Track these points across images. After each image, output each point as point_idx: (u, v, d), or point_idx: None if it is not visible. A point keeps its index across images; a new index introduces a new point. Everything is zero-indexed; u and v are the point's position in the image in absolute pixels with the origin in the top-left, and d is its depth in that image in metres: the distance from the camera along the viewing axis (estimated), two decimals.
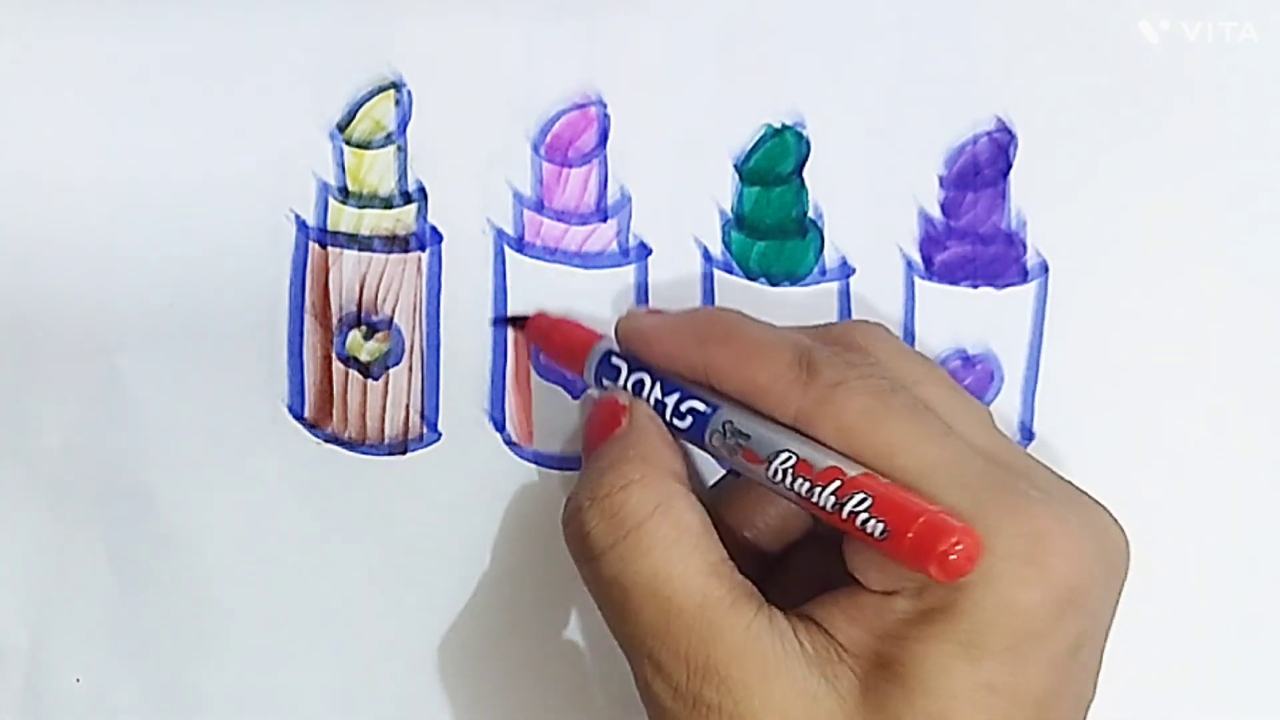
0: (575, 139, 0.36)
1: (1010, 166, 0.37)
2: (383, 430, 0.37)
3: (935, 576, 0.27)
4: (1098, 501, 0.31)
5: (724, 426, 0.31)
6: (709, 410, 0.32)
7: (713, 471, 0.36)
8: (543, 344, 0.36)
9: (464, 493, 0.37)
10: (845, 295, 0.37)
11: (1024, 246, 0.37)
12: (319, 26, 0.36)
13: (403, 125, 0.36)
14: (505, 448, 0.37)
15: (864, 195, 0.37)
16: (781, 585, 0.32)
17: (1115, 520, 0.31)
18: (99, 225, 0.36)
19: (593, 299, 0.37)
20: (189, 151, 0.36)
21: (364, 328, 0.37)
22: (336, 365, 0.37)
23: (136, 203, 0.36)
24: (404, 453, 0.37)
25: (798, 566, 0.34)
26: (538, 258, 0.36)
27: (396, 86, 0.36)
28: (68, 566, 0.37)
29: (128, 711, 0.37)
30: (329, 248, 0.36)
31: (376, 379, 0.37)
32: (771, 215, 0.37)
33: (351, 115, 0.36)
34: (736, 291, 0.37)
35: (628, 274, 0.37)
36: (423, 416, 0.37)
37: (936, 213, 0.37)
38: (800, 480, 0.30)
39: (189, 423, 0.36)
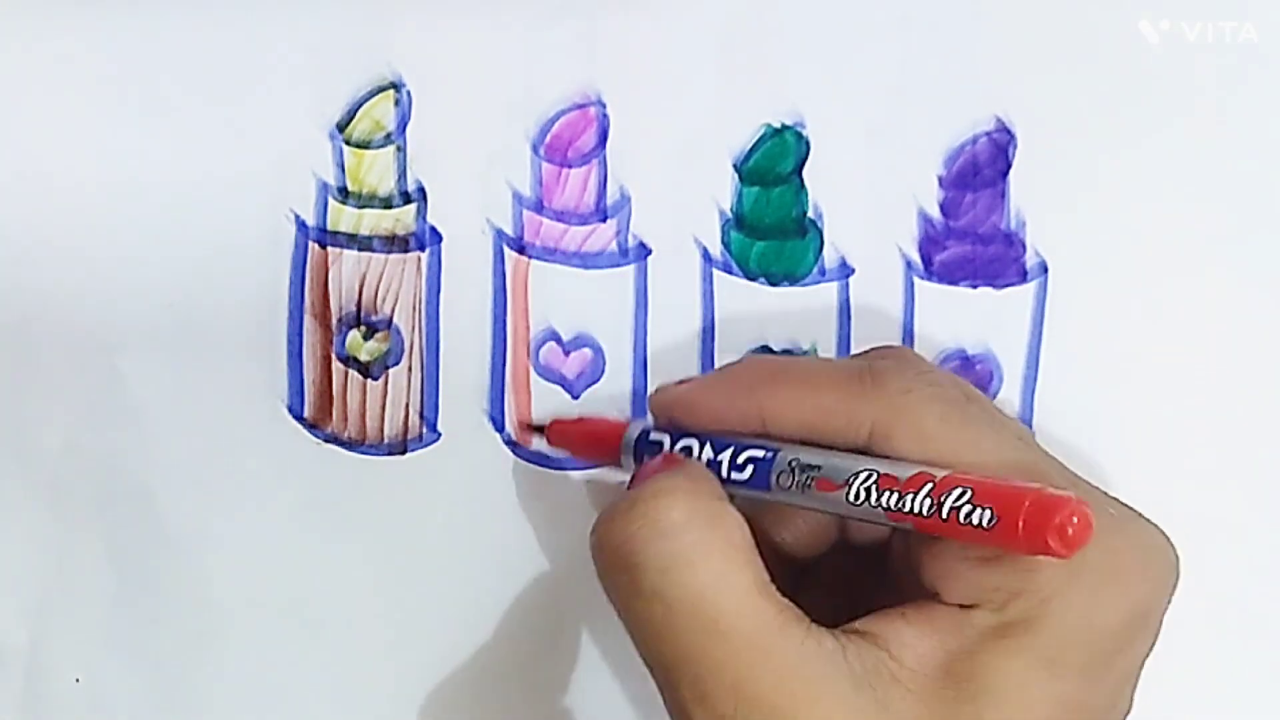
0: (575, 139, 0.36)
1: (1009, 167, 0.37)
2: (382, 430, 0.37)
3: (1056, 551, 0.26)
4: (1147, 519, 0.30)
5: (790, 464, 0.30)
6: (770, 453, 0.31)
7: None
8: (569, 447, 0.36)
9: (464, 493, 0.37)
10: (845, 295, 0.37)
11: (1023, 246, 0.37)
12: (319, 26, 0.36)
13: (402, 125, 0.36)
14: (505, 448, 0.37)
15: (864, 195, 0.37)
16: (810, 597, 0.31)
17: (1168, 538, 0.30)
18: (99, 225, 0.36)
19: (593, 299, 0.37)
20: (189, 151, 0.36)
21: (364, 328, 0.37)
22: (336, 365, 0.37)
23: (136, 203, 0.36)
24: (404, 453, 0.37)
25: (826, 577, 0.33)
26: (537, 258, 0.36)
27: (396, 86, 0.36)
28: (68, 566, 0.37)
29: (128, 711, 0.37)
30: (329, 248, 0.36)
31: (376, 379, 0.37)
32: (771, 215, 0.37)
33: (351, 115, 0.36)
34: (736, 291, 0.37)
35: (627, 274, 0.37)
36: (422, 416, 0.37)
37: (936, 213, 0.37)
38: (887, 494, 0.29)
39: (189, 423, 0.36)
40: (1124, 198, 0.37)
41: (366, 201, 0.36)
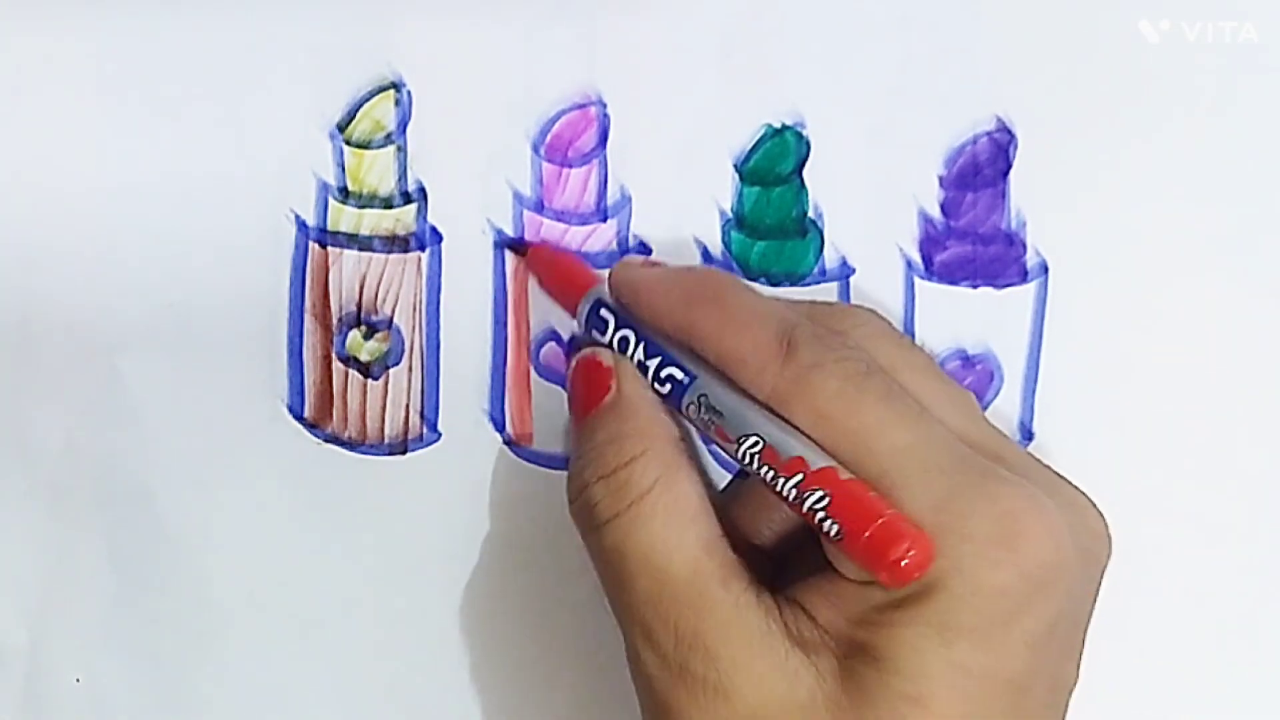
0: (575, 139, 0.36)
1: (1010, 166, 0.37)
2: (382, 430, 0.37)
3: (885, 582, 0.28)
4: (1078, 488, 0.31)
5: (699, 399, 0.31)
6: (686, 380, 0.32)
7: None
8: (542, 275, 0.36)
9: (464, 493, 0.37)
10: (845, 295, 0.37)
11: (1024, 246, 0.37)
12: (319, 26, 0.36)
13: (403, 125, 0.36)
14: (505, 448, 0.37)
15: (864, 195, 0.37)
16: (790, 573, 0.32)
17: (1094, 505, 0.31)
18: (99, 225, 0.36)
19: None
20: (189, 151, 0.36)
21: (364, 328, 0.37)
22: (336, 365, 0.37)
23: (136, 203, 0.36)
24: (404, 453, 0.37)
25: (809, 565, 0.34)
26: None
27: (396, 86, 0.36)
28: (68, 566, 0.37)
29: (128, 711, 0.37)
30: (329, 248, 0.36)
31: (376, 379, 0.37)
32: (771, 215, 0.37)
33: (351, 115, 0.36)
34: None
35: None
36: (422, 416, 0.37)
37: (936, 213, 0.37)
38: (765, 467, 0.30)
39: (189, 423, 0.36)
40: (1124, 198, 0.37)
41: (367, 201, 0.36)
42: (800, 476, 0.29)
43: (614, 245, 0.37)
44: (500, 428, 0.37)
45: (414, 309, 0.36)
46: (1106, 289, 0.37)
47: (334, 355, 0.37)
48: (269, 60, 0.36)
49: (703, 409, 0.31)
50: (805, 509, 0.29)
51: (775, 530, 0.34)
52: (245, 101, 0.36)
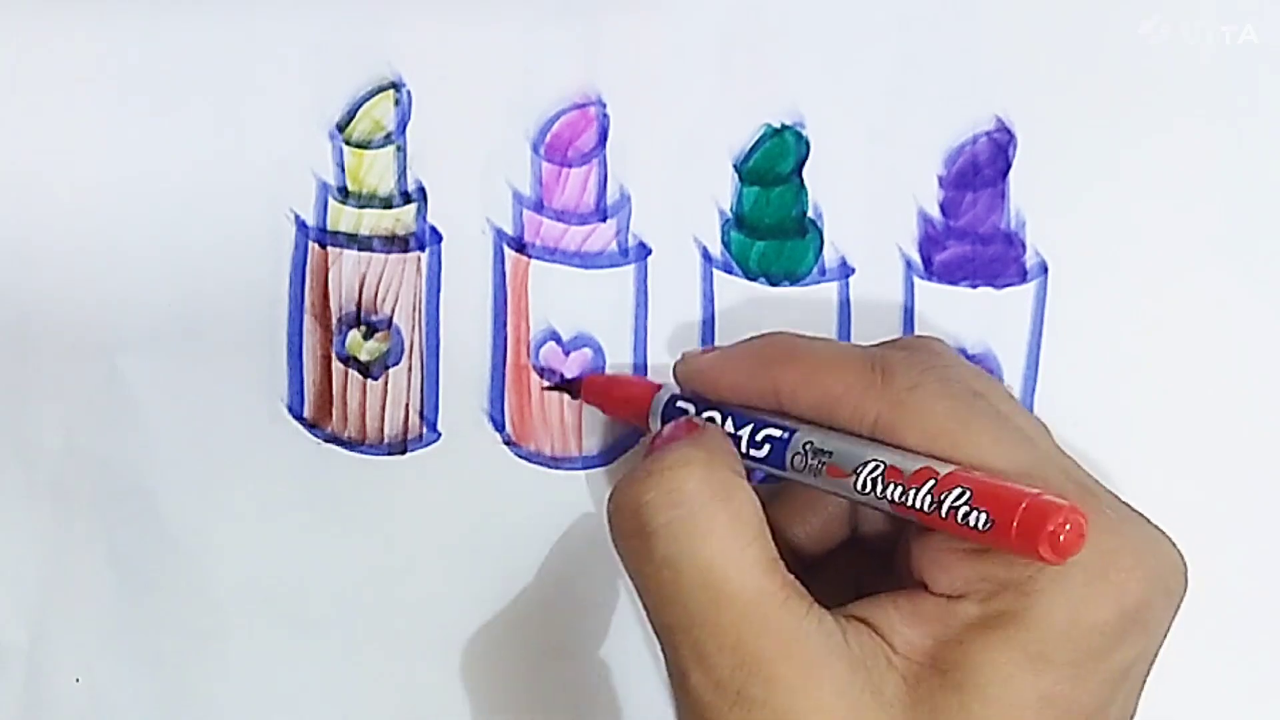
0: (575, 139, 0.36)
1: (1009, 166, 0.37)
2: (382, 430, 0.37)
3: (1047, 558, 0.27)
4: (1153, 523, 0.31)
5: (805, 447, 0.31)
6: (787, 434, 0.31)
7: None
8: (601, 403, 0.36)
9: (463, 493, 0.37)
10: (845, 295, 0.37)
11: (1023, 246, 0.37)
12: (319, 26, 0.36)
13: (402, 125, 0.36)
14: (505, 447, 0.37)
15: (864, 195, 0.37)
16: (819, 589, 0.31)
17: (1173, 542, 0.30)
18: (99, 225, 0.36)
19: (593, 299, 0.37)
20: (189, 151, 0.36)
21: (364, 327, 0.37)
22: (336, 365, 0.37)
23: (136, 203, 0.36)
24: (403, 452, 0.37)
25: (835, 570, 0.33)
26: (538, 257, 0.36)
27: (396, 86, 0.36)
28: (68, 566, 0.37)
29: (128, 711, 0.37)
30: (329, 248, 0.36)
31: (376, 379, 0.37)
32: (771, 215, 0.37)
33: (351, 115, 0.36)
34: (736, 291, 0.37)
35: (627, 274, 0.37)
36: (422, 416, 0.37)
37: (936, 213, 0.37)
38: (891, 486, 0.29)
39: (189, 423, 0.36)
40: (1124, 198, 0.37)
41: (366, 201, 0.36)
42: (932, 482, 0.28)
43: (614, 245, 0.37)
44: (500, 428, 0.37)
45: (414, 309, 0.36)
46: (1106, 289, 0.37)
47: (334, 355, 0.37)
48: (269, 60, 0.36)
49: (811, 454, 0.31)
50: (944, 512, 0.28)
51: (806, 538, 0.34)
52: (245, 101, 0.36)
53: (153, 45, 0.36)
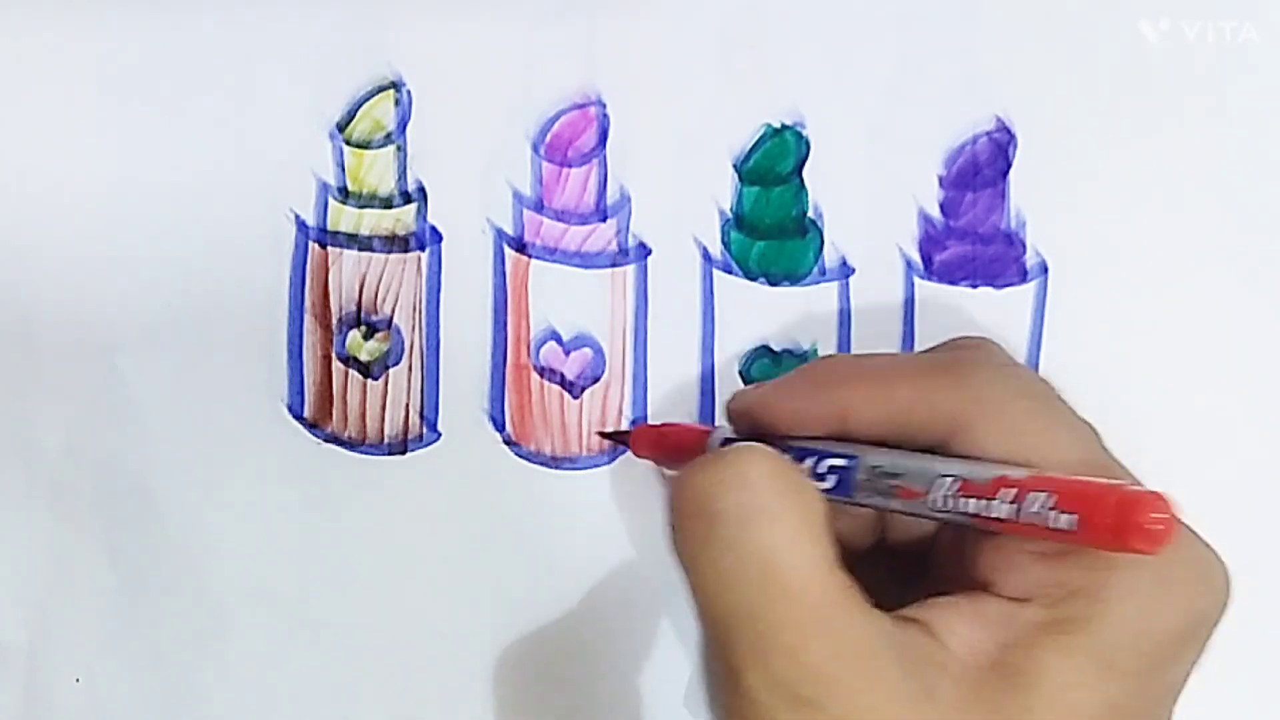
0: (575, 139, 0.36)
1: (1009, 166, 0.37)
2: (382, 430, 0.37)
3: (1141, 549, 0.26)
4: (1202, 538, 0.30)
5: (872, 471, 0.30)
6: (852, 461, 0.30)
7: None
8: (653, 453, 0.36)
9: (464, 493, 0.37)
10: (845, 295, 0.37)
11: (1023, 246, 0.37)
12: (319, 26, 0.36)
13: (402, 125, 0.36)
14: (505, 447, 0.37)
15: (864, 195, 0.37)
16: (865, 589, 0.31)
17: (1217, 555, 0.30)
18: (99, 225, 0.36)
19: (593, 299, 0.37)
20: (189, 151, 0.36)
21: (364, 327, 0.37)
22: (336, 365, 0.37)
23: (136, 203, 0.36)
24: (403, 452, 0.37)
25: (862, 576, 0.33)
26: (538, 258, 0.37)
27: (396, 86, 0.36)
28: (68, 566, 0.37)
29: (128, 711, 0.37)
30: (329, 248, 0.36)
31: (376, 379, 0.37)
32: (771, 215, 0.37)
33: (351, 115, 0.36)
34: (736, 291, 0.37)
35: (627, 274, 0.37)
36: (422, 416, 0.37)
37: (936, 213, 0.37)
38: (968, 500, 0.28)
39: (189, 423, 0.36)
40: (1124, 198, 0.37)
41: (366, 201, 0.36)
42: (1013, 491, 0.28)
43: (614, 245, 0.37)
44: (500, 427, 0.37)
45: (414, 309, 0.37)
46: (1106, 289, 0.37)
47: (334, 355, 0.37)
48: (269, 60, 0.36)
49: (879, 477, 0.30)
50: (1025, 518, 0.28)
51: (846, 536, 0.33)
52: (245, 101, 0.36)
53: (153, 45, 0.36)
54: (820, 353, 0.37)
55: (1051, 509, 0.27)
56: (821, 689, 0.27)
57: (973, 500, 0.28)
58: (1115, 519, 0.26)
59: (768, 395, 0.32)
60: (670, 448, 0.35)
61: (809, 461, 0.31)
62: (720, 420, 0.35)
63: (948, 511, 0.29)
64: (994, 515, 0.28)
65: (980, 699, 0.28)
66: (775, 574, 0.27)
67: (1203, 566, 0.29)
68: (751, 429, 0.32)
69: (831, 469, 0.31)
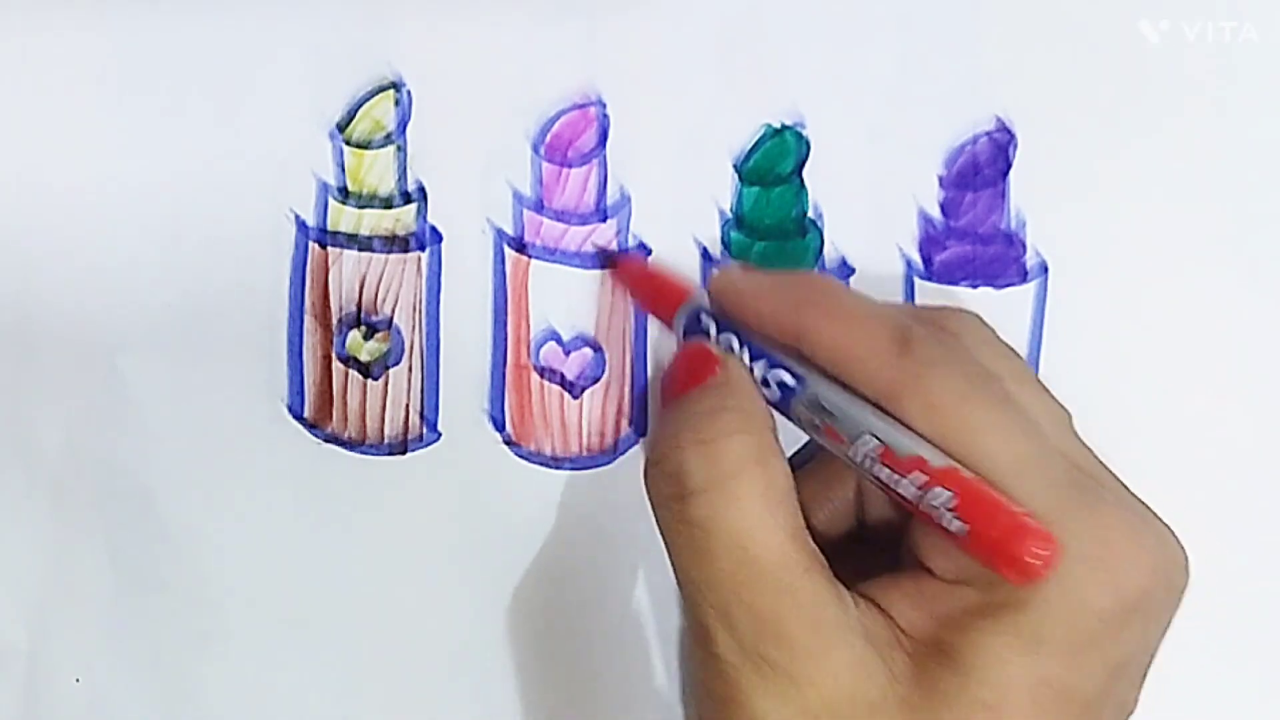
0: (575, 139, 0.36)
1: (1010, 166, 0.37)
2: (382, 430, 0.37)
3: (1010, 579, 0.28)
4: (1161, 518, 0.31)
5: (810, 401, 0.31)
6: (796, 383, 0.32)
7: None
8: (633, 290, 0.36)
9: (464, 493, 0.37)
10: None
11: (1023, 246, 0.37)
12: (319, 26, 0.36)
13: (402, 125, 0.36)
14: (505, 447, 0.37)
15: (864, 195, 0.37)
16: (842, 567, 0.32)
17: (1177, 538, 0.31)
18: (99, 225, 0.36)
19: (593, 299, 0.37)
20: (189, 151, 0.36)
21: (364, 328, 0.37)
22: (336, 365, 0.37)
23: (136, 203, 0.36)
24: (404, 452, 0.37)
25: (841, 560, 0.34)
26: (538, 258, 0.37)
27: (396, 86, 0.36)
28: (68, 566, 0.37)
29: (128, 711, 0.37)
30: (329, 248, 0.36)
31: (376, 379, 0.37)
32: (771, 215, 0.37)
33: (351, 115, 0.36)
34: None
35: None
36: (422, 416, 0.37)
37: (936, 213, 0.37)
38: (881, 466, 0.30)
39: (189, 423, 0.36)
40: (1124, 198, 0.37)
41: (366, 201, 0.36)
42: (922, 475, 0.29)
43: (614, 245, 0.37)
44: (500, 427, 0.37)
45: (414, 309, 0.37)
46: (1106, 289, 0.37)
47: (334, 355, 0.37)
48: (269, 60, 0.36)
49: (814, 410, 0.31)
50: (924, 506, 0.29)
51: (836, 511, 0.34)
52: (245, 101, 0.36)
53: (153, 45, 0.36)
54: None
55: (949, 509, 0.28)
56: (785, 652, 0.29)
57: (887, 469, 0.29)
58: (998, 543, 0.28)
59: (743, 288, 0.33)
60: (648, 291, 0.36)
61: (759, 365, 0.32)
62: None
63: (863, 469, 0.30)
64: (899, 491, 0.29)
65: (925, 674, 0.29)
66: (741, 545, 0.30)
67: (1147, 547, 0.29)
68: (721, 310, 0.33)
69: (779, 382, 0.32)
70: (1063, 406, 0.33)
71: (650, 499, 0.32)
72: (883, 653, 0.29)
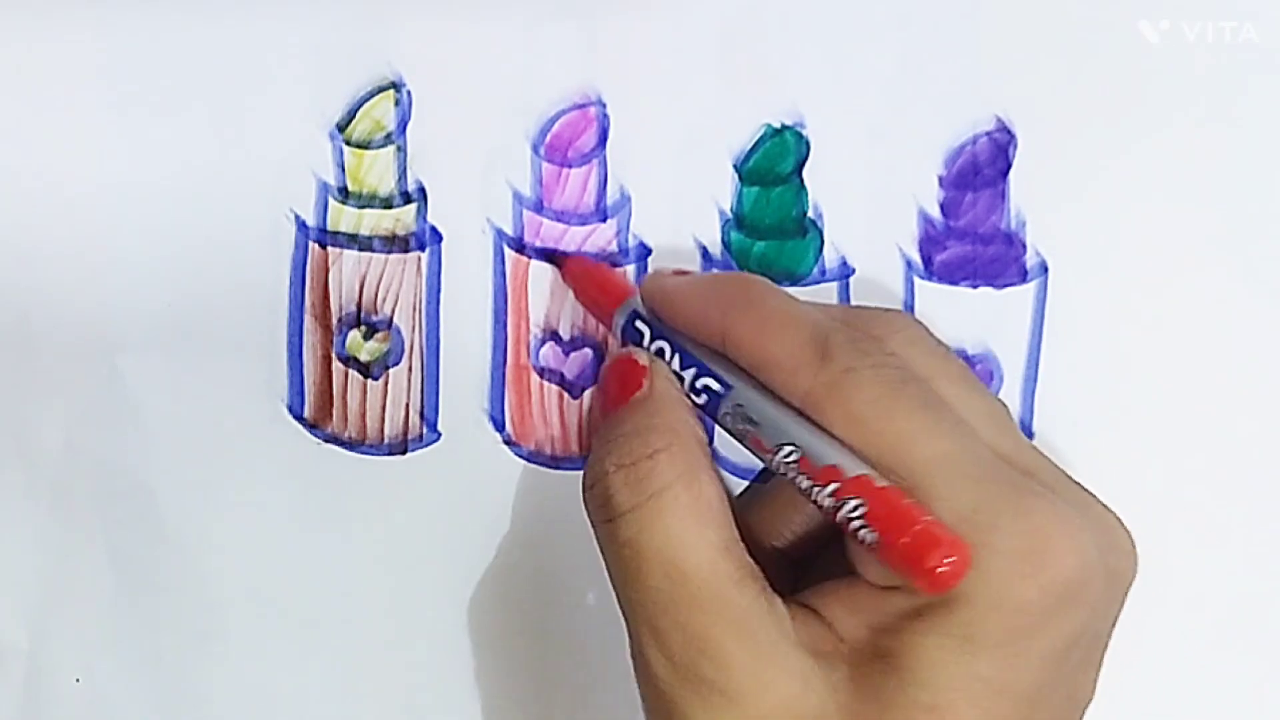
0: (575, 139, 0.36)
1: (1010, 166, 0.37)
2: (382, 430, 0.37)
3: (922, 588, 0.28)
4: (1106, 505, 0.31)
5: (735, 409, 0.31)
6: (722, 390, 0.32)
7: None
8: (577, 289, 0.36)
9: (464, 493, 0.37)
10: (845, 295, 0.37)
11: (1023, 246, 0.37)
12: (319, 26, 0.36)
13: (402, 125, 0.36)
14: (505, 447, 0.37)
15: (864, 195, 0.37)
16: (808, 579, 0.32)
17: (1122, 523, 0.31)
18: (99, 225, 0.36)
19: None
20: (189, 151, 0.36)
21: (364, 328, 0.37)
22: (336, 365, 0.37)
23: (136, 203, 0.36)
24: (404, 452, 0.37)
25: (822, 563, 0.34)
26: (538, 258, 0.37)
27: (396, 86, 0.36)
28: (68, 566, 0.37)
29: (128, 711, 0.37)
30: (329, 248, 0.36)
31: (376, 379, 0.37)
32: (771, 215, 0.37)
33: (351, 115, 0.36)
34: None
35: (627, 274, 0.37)
36: (422, 416, 0.37)
37: (936, 213, 0.37)
38: (801, 476, 0.30)
39: (189, 423, 0.36)
40: (1124, 198, 0.37)
41: (366, 201, 0.36)
42: (835, 485, 0.29)
43: (614, 245, 0.37)
44: (500, 428, 0.37)
45: (414, 309, 0.37)
46: (1106, 289, 0.37)
47: (334, 355, 0.37)
48: (269, 60, 0.36)
49: (738, 419, 0.31)
50: (840, 516, 0.29)
51: (793, 535, 0.34)
52: (245, 101, 0.36)
53: (153, 46, 0.36)
54: None
55: (859, 517, 0.29)
56: (717, 667, 0.29)
57: (804, 478, 0.30)
58: (906, 550, 0.28)
59: (675, 291, 0.33)
60: (591, 290, 0.36)
61: (689, 373, 0.32)
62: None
63: (786, 478, 0.30)
64: (817, 501, 0.29)
65: (866, 680, 0.29)
66: (668, 565, 0.30)
67: (1079, 534, 0.29)
68: (653, 312, 0.34)
69: (705, 389, 0.32)
70: (999, 401, 0.32)
71: (589, 521, 0.32)
72: (822, 663, 0.29)
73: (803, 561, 0.34)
